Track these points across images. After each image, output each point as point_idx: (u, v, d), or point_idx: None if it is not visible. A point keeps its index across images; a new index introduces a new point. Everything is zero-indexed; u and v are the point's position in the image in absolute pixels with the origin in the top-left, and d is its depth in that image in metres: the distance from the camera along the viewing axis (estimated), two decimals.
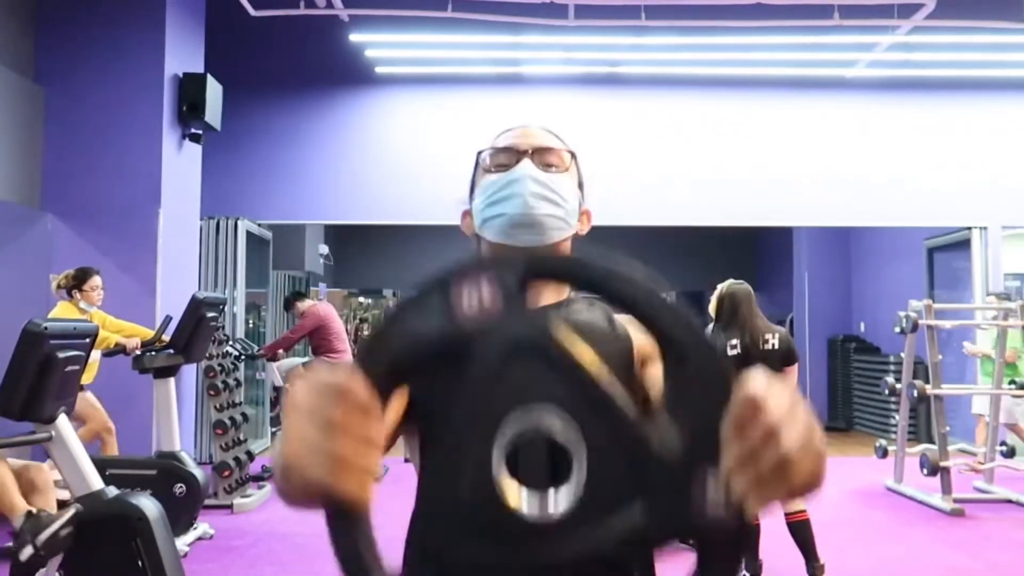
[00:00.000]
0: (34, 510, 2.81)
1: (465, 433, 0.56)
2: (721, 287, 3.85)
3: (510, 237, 1.01)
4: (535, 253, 0.56)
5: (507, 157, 1.03)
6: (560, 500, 0.55)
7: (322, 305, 6.63)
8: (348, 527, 0.55)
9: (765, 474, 0.52)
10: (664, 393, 0.57)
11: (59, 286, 4.55)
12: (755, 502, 0.52)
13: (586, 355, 0.57)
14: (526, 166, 1.01)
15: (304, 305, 6.55)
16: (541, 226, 1.00)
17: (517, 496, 0.55)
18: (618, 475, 0.54)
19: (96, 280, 4.57)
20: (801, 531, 3.66)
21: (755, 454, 0.52)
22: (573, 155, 1.06)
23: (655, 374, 0.98)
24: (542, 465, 0.56)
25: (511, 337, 0.56)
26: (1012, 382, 5.76)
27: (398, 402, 0.94)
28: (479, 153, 1.08)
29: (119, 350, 4.42)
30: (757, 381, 0.54)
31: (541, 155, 1.02)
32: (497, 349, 0.56)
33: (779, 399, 0.53)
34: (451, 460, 0.58)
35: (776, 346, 3.70)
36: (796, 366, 3.82)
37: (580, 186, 1.08)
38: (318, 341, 6.43)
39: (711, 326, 3.90)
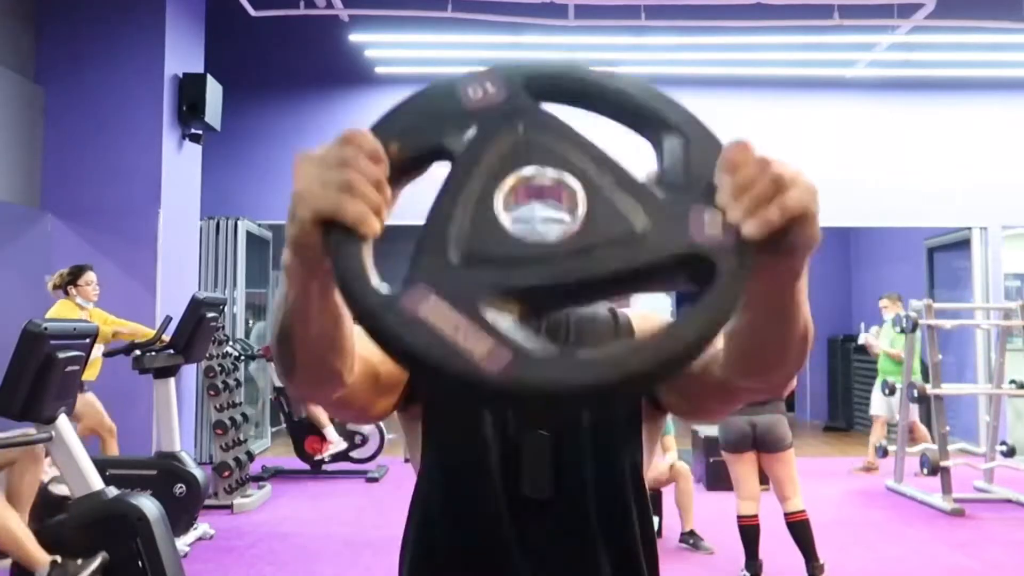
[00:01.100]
0: (58, 559, 2.76)
1: (472, 182, 0.58)
2: None
3: None
4: (536, 63, 0.60)
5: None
6: (561, 231, 0.56)
7: None
8: (349, 247, 0.56)
9: (760, 195, 0.54)
10: (658, 164, 0.59)
11: (55, 286, 4.55)
12: (752, 224, 0.54)
13: (575, 135, 0.60)
14: (533, 207, 0.98)
15: None
16: None
17: (520, 232, 0.57)
18: (619, 211, 0.56)
19: (90, 276, 4.57)
20: (801, 531, 3.66)
21: (749, 181, 0.55)
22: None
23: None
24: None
25: (510, 110, 0.59)
26: (1012, 381, 5.76)
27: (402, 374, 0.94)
28: None
29: (121, 349, 4.42)
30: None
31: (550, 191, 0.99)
32: (504, 126, 0.59)
33: (764, 149, 0.57)
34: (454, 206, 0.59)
35: None
36: None
37: None
38: None
39: None
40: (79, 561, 2.75)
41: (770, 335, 0.71)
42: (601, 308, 1.08)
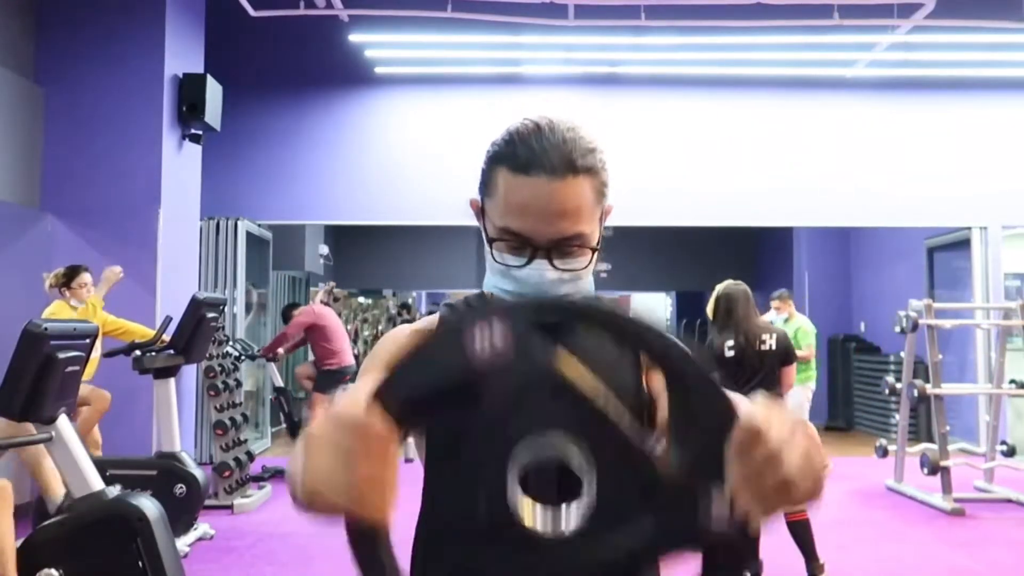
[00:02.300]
0: None
1: (480, 458, 0.60)
2: (718, 288, 3.85)
3: None
4: (543, 299, 0.60)
5: (521, 243, 0.92)
6: (572, 517, 0.58)
7: (315, 305, 6.63)
8: (370, 545, 0.58)
9: (767, 492, 0.56)
10: (669, 420, 0.60)
11: (51, 285, 4.55)
12: (758, 516, 0.56)
13: (588, 382, 0.60)
14: (542, 271, 0.92)
15: (295, 313, 6.60)
16: None
17: (532, 514, 0.59)
18: (626, 493, 0.57)
19: (85, 277, 4.58)
20: (801, 531, 3.66)
21: (758, 475, 0.56)
22: (599, 203, 0.96)
23: (658, 390, 0.97)
24: (553, 485, 0.60)
25: (520, 375, 0.60)
26: (1012, 381, 5.76)
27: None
28: (493, 169, 0.95)
29: (121, 350, 4.42)
30: (759, 410, 0.57)
31: (560, 245, 0.91)
32: (508, 386, 0.60)
33: (780, 426, 0.57)
34: (467, 483, 0.61)
35: (773, 347, 3.69)
36: (794, 366, 3.82)
37: (603, 216, 0.99)
38: (314, 341, 6.43)
39: (710, 327, 3.90)
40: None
41: None
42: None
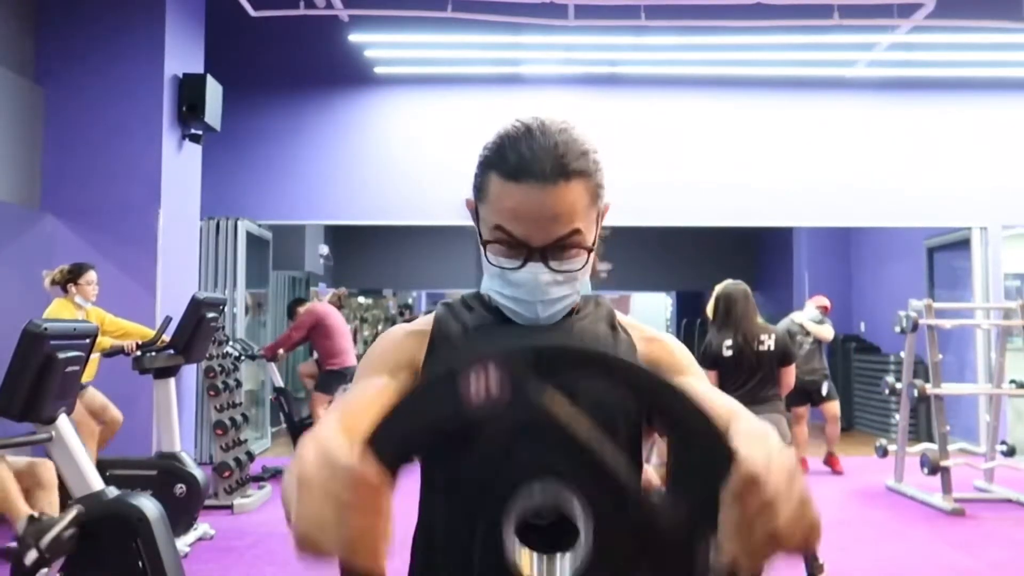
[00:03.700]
0: (36, 514, 2.80)
1: (475, 506, 0.60)
2: (718, 288, 3.86)
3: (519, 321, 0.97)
4: (539, 343, 0.59)
5: (516, 246, 0.92)
6: (568, 567, 0.58)
7: (320, 304, 6.64)
8: None
9: (757, 543, 0.56)
10: (667, 465, 0.60)
11: (53, 281, 4.52)
12: (746, 567, 0.56)
13: (583, 426, 0.59)
14: (538, 274, 0.92)
15: (301, 311, 6.59)
16: (551, 321, 0.96)
17: (528, 564, 0.59)
18: (623, 542, 0.57)
19: (91, 275, 4.56)
20: None
21: (750, 525, 0.55)
22: (595, 203, 0.95)
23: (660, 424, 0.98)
24: (550, 534, 0.59)
25: (515, 420, 0.59)
26: (1012, 381, 5.76)
27: None
28: (486, 171, 0.95)
29: (118, 350, 4.42)
30: (758, 456, 0.57)
31: (554, 246, 0.92)
32: (503, 431, 0.59)
33: (777, 475, 0.57)
34: (463, 530, 0.61)
35: (772, 347, 3.70)
36: (793, 367, 3.83)
37: (599, 216, 0.98)
38: (318, 341, 6.44)
39: (709, 327, 3.90)
40: (55, 509, 2.78)
41: None
42: (603, 323, 1.05)
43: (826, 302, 6.67)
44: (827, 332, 6.46)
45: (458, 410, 0.58)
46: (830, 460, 6.47)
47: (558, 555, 0.59)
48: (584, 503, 0.57)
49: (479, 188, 0.96)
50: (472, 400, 0.58)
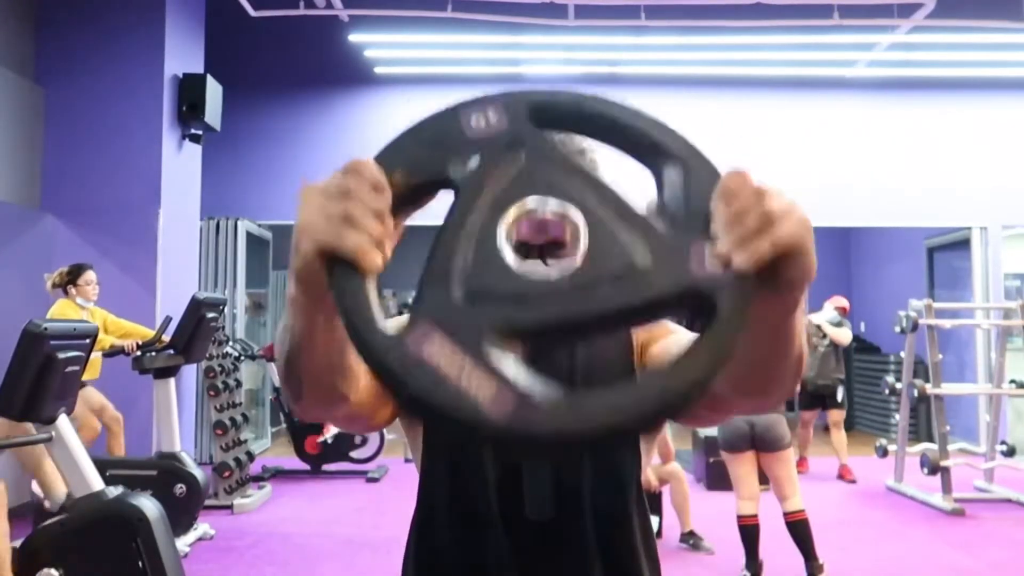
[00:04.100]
0: None
1: (475, 224, 0.58)
2: None
3: None
4: (533, 91, 0.61)
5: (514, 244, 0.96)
6: (563, 268, 0.57)
7: None
8: (352, 284, 0.56)
9: (751, 228, 0.55)
10: (657, 195, 0.59)
11: (54, 284, 4.54)
12: (743, 256, 0.54)
13: (581, 159, 0.60)
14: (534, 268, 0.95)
15: None
16: None
17: (519, 262, 0.57)
18: (620, 249, 0.56)
19: (90, 275, 4.57)
20: (800, 530, 3.66)
21: (742, 212, 0.55)
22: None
23: (656, 354, 0.98)
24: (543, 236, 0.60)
25: (513, 140, 0.59)
26: (1012, 381, 5.76)
27: None
28: None
29: (119, 350, 4.42)
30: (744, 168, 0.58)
31: (552, 246, 0.94)
32: (504, 155, 0.59)
33: (762, 176, 0.57)
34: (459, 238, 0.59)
35: None
36: None
37: None
38: None
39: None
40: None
41: (768, 360, 0.72)
42: None
43: (845, 303, 6.48)
44: (844, 335, 6.27)
45: (461, 135, 0.59)
46: (842, 470, 6.21)
47: (551, 261, 0.59)
48: (584, 214, 0.57)
49: None
50: (473, 126, 0.59)
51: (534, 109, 0.61)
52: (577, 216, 0.58)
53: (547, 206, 0.58)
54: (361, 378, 0.80)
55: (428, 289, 0.57)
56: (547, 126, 0.61)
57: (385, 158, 0.59)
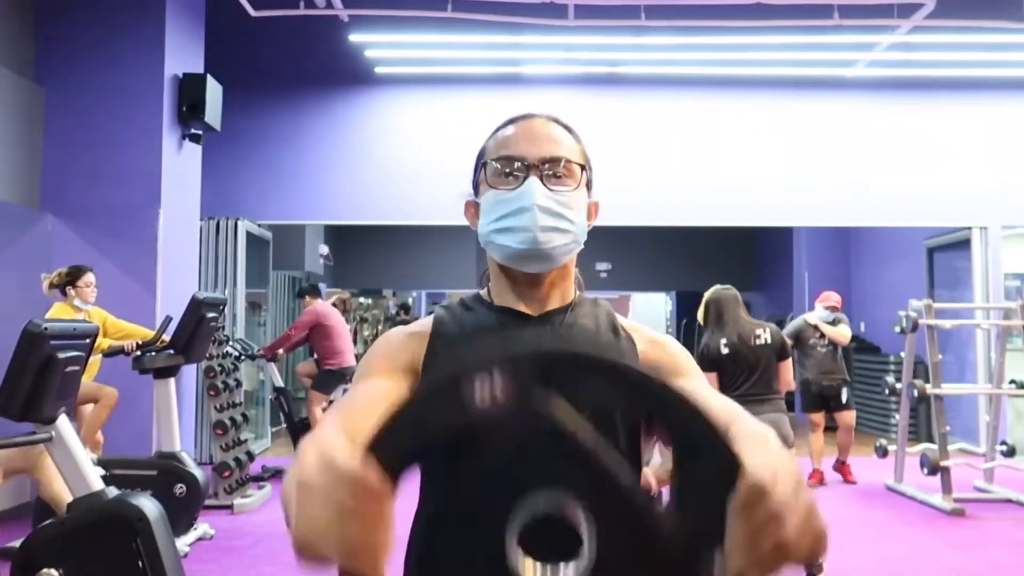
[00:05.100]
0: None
1: (478, 513, 0.60)
2: (707, 294, 3.98)
3: (518, 265, 1.01)
4: (544, 348, 0.58)
5: (514, 167, 0.99)
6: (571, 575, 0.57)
7: (320, 304, 6.64)
8: None
9: (765, 555, 0.55)
10: (673, 478, 0.59)
11: (52, 284, 4.52)
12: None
13: (588, 434, 0.59)
14: (534, 188, 0.97)
15: (308, 301, 6.60)
16: (549, 257, 0.99)
17: (532, 573, 0.58)
18: (626, 554, 0.56)
19: (89, 277, 4.56)
20: None
21: (757, 536, 0.55)
22: (583, 167, 1.02)
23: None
24: (553, 544, 0.58)
25: (519, 426, 0.58)
26: (1012, 381, 5.76)
27: None
28: (484, 148, 1.05)
29: (118, 350, 4.42)
30: (763, 465, 0.56)
31: (550, 166, 0.98)
32: (507, 438, 0.59)
33: (783, 485, 0.56)
34: (465, 537, 0.61)
35: (768, 340, 3.82)
36: (789, 361, 3.89)
37: (589, 184, 1.05)
38: (317, 341, 6.44)
39: (704, 331, 3.97)
40: None
41: None
42: (603, 322, 1.06)
43: (835, 299, 6.25)
44: (843, 333, 6.06)
45: (461, 416, 0.57)
46: (841, 468, 6.19)
47: (561, 564, 0.58)
48: (588, 513, 0.57)
49: (476, 179, 1.05)
50: (476, 405, 0.57)
51: (544, 368, 0.58)
52: (584, 519, 0.57)
53: (554, 506, 0.58)
54: (361, 434, 0.81)
55: None
56: (557, 384, 0.59)
57: (383, 447, 0.58)
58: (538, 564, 0.59)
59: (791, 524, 0.55)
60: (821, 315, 6.22)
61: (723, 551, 0.55)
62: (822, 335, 6.13)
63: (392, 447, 0.58)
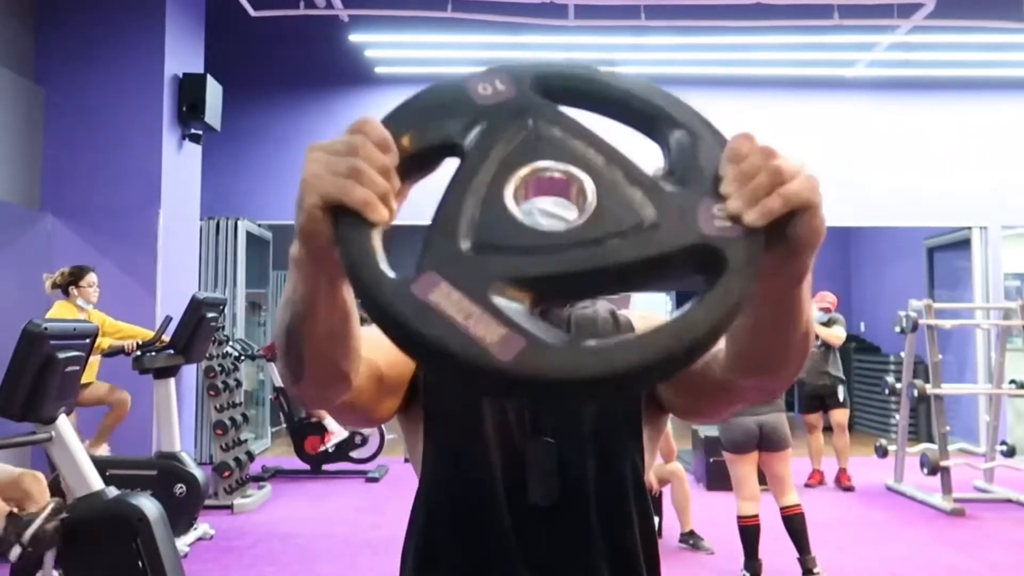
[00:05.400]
0: (15, 509, 2.77)
1: (482, 174, 0.58)
2: None
3: None
4: (546, 63, 0.61)
5: None
6: (572, 222, 0.57)
7: None
8: (358, 233, 0.54)
9: (762, 184, 0.55)
10: (665, 160, 0.59)
11: (54, 284, 4.53)
12: (754, 212, 0.54)
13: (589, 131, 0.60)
14: (534, 203, 0.98)
15: None
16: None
17: (530, 223, 0.57)
18: (630, 208, 0.56)
19: (92, 277, 4.57)
20: (797, 524, 3.68)
21: (752, 171, 0.55)
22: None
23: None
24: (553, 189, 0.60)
25: (520, 107, 0.60)
26: (1012, 381, 5.76)
27: (407, 367, 0.95)
28: None
29: (118, 350, 4.42)
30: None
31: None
32: (514, 123, 0.59)
33: (768, 138, 0.57)
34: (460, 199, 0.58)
35: None
36: None
37: None
38: None
39: None
40: (33, 510, 2.73)
41: (774, 336, 0.71)
42: (602, 310, 1.08)
43: (830, 299, 6.16)
44: (836, 335, 5.94)
45: (468, 102, 0.60)
46: (840, 476, 6.01)
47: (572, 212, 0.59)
48: (592, 178, 0.57)
49: None
50: (481, 95, 0.60)
51: (541, 80, 0.60)
52: (585, 176, 0.57)
53: (555, 166, 0.58)
54: (362, 359, 0.79)
55: (434, 241, 0.55)
56: (553, 97, 0.61)
57: (392, 120, 0.59)
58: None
59: (783, 159, 0.56)
60: (815, 316, 6.16)
61: (720, 202, 0.55)
62: (816, 335, 6.08)
63: (405, 122, 0.59)
